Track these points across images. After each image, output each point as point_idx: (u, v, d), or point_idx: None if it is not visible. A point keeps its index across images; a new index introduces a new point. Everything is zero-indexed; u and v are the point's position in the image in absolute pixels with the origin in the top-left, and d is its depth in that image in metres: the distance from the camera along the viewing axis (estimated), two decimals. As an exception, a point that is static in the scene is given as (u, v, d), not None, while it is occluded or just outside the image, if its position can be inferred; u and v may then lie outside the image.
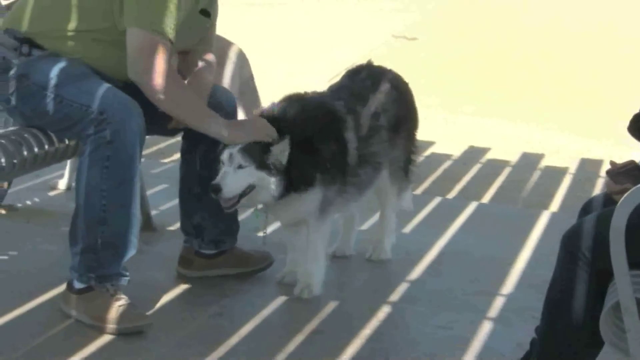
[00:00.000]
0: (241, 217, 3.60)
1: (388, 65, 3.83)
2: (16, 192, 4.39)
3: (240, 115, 4.21)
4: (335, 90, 3.58)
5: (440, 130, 6.73)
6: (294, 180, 3.22)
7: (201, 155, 3.39)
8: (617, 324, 2.24)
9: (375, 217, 3.97)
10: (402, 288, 3.56)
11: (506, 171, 5.77)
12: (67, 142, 3.17)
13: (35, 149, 3.05)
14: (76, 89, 2.99)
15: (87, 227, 2.99)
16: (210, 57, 3.41)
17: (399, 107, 3.66)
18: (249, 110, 4.77)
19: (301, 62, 9.51)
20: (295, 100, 3.35)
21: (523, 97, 8.26)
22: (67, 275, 3.11)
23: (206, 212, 3.40)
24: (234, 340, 3.05)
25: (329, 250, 3.65)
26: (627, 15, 12.23)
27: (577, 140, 6.79)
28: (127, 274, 3.10)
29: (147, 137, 3.09)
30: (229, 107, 3.37)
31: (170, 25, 2.99)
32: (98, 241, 2.99)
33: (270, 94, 3.89)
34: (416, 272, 3.73)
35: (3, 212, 4.17)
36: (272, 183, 3.17)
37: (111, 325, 3.00)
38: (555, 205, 5.05)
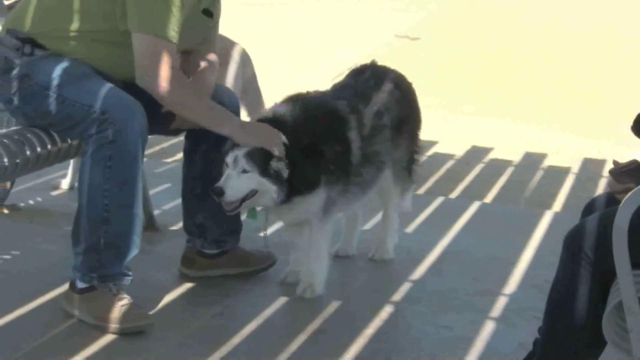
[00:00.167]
0: (243, 217, 3.59)
1: (390, 65, 3.83)
2: (19, 191, 4.40)
3: (243, 114, 4.21)
4: (339, 89, 3.58)
5: (442, 130, 6.72)
6: (298, 184, 3.22)
7: (204, 154, 3.39)
8: (620, 324, 2.24)
9: (378, 216, 3.97)
10: (405, 288, 3.56)
11: (509, 171, 5.77)
12: (69, 142, 3.17)
13: (38, 149, 3.05)
14: (78, 89, 3.00)
15: (90, 227, 3.00)
16: (212, 57, 3.41)
17: (402, 107, 3.66)
18: (252, 109, 4.78)
19: (303, 62, 9.51)
20: (298, 101, 3.35)
21: (524, 97, 8.26)
22: (69, 275, 3.11)
23: (209, 212, 3.40)
24: (236, 340, 3.05)
25: (331, 250, 3.65)
26: (627, 15, 12.22)
27: (578, 140, 6.79)
28: (130, 273, 3.10)
29: (149, 136, 3.10)
30: (231, 106, 3.37)
31: (173, 28, 3.00)
32: (101, 241, 3.00)
33: (272, 94, 3.89)
34: (418, 272, 3.73)
35: (6, 211, 4.18)
36: (275, 189, 3.17)
37: (113, 325, 3.01)
38: (557, 205, 5.04)
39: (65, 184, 4.56)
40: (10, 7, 3.66)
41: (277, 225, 3.88)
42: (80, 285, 3.07)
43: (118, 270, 3.06)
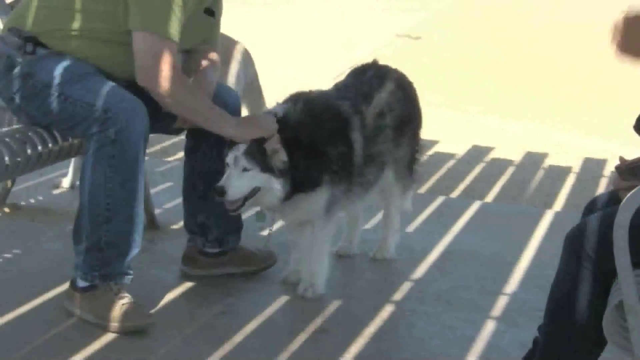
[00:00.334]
0: (245, 216, 3.60)
1: (393, 64, 3.83)
2: (20, 190, 4.40)
3: (245, 113, 4.21)
4: (341, 89, 3.58)
5: (444, 129, 6.72)
6: (300, 181, 3.22)
7: (205, 153, 3.39)
8: (621, 324, 2.24)
9: (379, 216, 3.97)
10: (406, 287, 3.56)
11: (510, 170, 5.76)
12: (71, 140, 3.18)
13: (39, 148, 3.05)
14: (80, 88, 3.00)
15: (91, 226, 3.00)
16: (214, 56, 3.41)
17: (404, 106, 3.66)
18: (254, 109, 4.78)
19: (305, 61, 9.51)
20: (300, 100, 3.35)
21: (529, 96, 8.25)
22: (71, 273, 3.11)
23: (210, 211, 3.40)
24: (238, 338, 3.05)
25: (332, 249, 3.66)
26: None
27: (583, 139, 6.78)
28: (131, 272, 3.10)
29: (151, 135, 3.10)
30: (233, 105, 3.37)
31: (175, 27, 3.00)
32: (102, 240, 3.00)
33: (274, 93, 3.89)
34: (420, 272, 3.73)
35: (7, 210, 4.18)
36: (277, 186, 3.17)
37: (114, 324, 3.01)
38: (559, 204, 5.04)
39: (66, 182, 4.57)
40: (13, 5, 3.66)
41: (279, 225, 3.88)
42: (82, 283, 3.07)
43: (119, 269, 3.06)
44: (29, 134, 3.06)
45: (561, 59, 9.80)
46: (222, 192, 3.12)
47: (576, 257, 2.35)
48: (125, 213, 3.01)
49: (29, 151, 3.02)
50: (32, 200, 4.38)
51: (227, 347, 2.99)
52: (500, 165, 5.86)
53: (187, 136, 3.47)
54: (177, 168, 4.47)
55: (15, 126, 3.20)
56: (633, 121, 2.54)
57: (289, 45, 10.30)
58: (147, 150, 3.12)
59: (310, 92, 3.46)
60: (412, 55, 9.72)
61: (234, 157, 3.15)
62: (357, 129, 3.39)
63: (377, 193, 3.71)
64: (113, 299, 3.03)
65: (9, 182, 4.14)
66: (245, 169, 3.14)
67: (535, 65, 9.49)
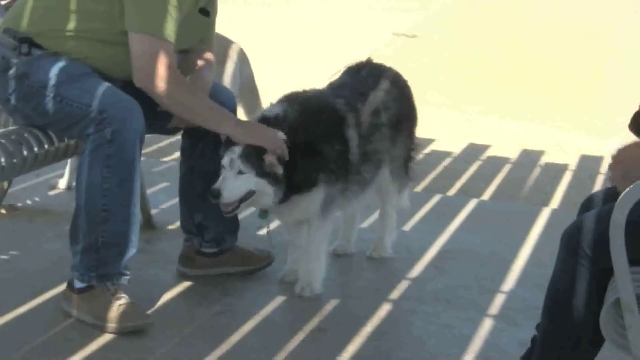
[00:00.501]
0: (242, 216, 3.59)
1: (392, 63, 3.83)
2: (17, 191, 4.39)
3: (241, 113, 4.21)
4: (336, 87, 3.58)
5: (443, 128, 6.73)
6: (296, 183, 3.22)
7: (201, 153, 3.39)
8: (618, 321, 2.24)
9: (376, 215, 3.97)
10: (404, 286, 3.56)
11: (506, 168, 5.76)
12: (67, 141, 3.18)
13: (36, 149, 3.05)
14: (76, 89, 3.00)
15: (88, 226, 3.00)
16: (209, 55, 3.41)
17: (399, 104, 3.66)
18: (250, 108, 4.78)
19: (304, 60, 9.50)
20: (295, 100, 3.35)
21: (527, 96, 8.24)
22: (68, 274, 3.11)
23: (207, 211, 3.40)
24: (236, 338, 3.05)
25: (330, 249, 3.65)
26: (628, 13, 12.23)
27: (582, 139, 6.78)
28: (128, 272, 3.10)
29: (147, 135, 3.10)
30: (229, 105, 3.37)
31: (171, 28, 3.01)
32: (99, 240, 3.00)
33: (270, 93, 3.89)
34: (418, 270, 3.73)
35: (3, 211, 4.17)
36: (272, 190, 3.17)
37: (112, 324, 3.01)
38: (555, 202, 5.05)
39: (62, 183, 4.56)
40: (8, 6, 3.66)
41: (276, 224, 3.88)
42: (79, 284, 3.07)
43: (116, 270, 3.06)
44: (25, 134, 3.06)
45: (561, 59, 9.80)
46: (217, 194, 3.12)
47: (573, 255, 2.35)
48: (122, 213, 3.00)
49: (25, 152, 3.01)
50: (29, 201, 4.38)
51: (225, 346, 2.99)
52: (497, 163, 5.86)
53: (183, 136, 3.47)
54: (173, 168, 4.46)
55: (11, 127, 3.20)
56: (629, 120, 2.55)
57: (289, 45, 10.30)
58: (144, 151, 3.11)
59: (305, 91, 3.46)
60: (412, 55, 9.72)
61: (230, 159, 3.15)
62: (352, 127, 3.38)
63: (374, 192, 3.71)
64: (110, 299, 3.03)
65: (6, 184, 4.13)
66: (240, 172, 3.14)
67: (535, 65, 9.50)
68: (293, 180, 3.20)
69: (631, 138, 2.52)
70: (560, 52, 10.16)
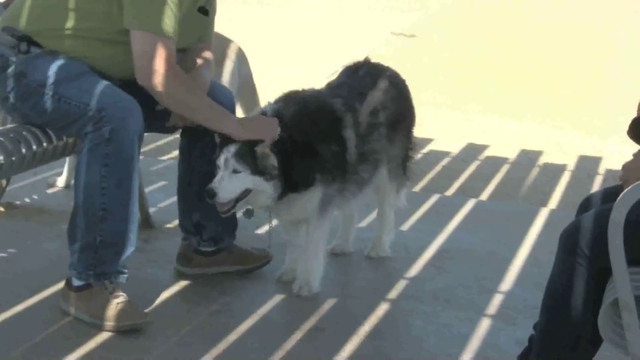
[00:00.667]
0: (240, 214, 3.59)
1: (392, 63, 3.83)
2: (15, 190, 4.39)
3: (239, 112, 4.21)
4: (334, 87, 3.58)
5: (443, 128, 6.73)
6: (294, 182, 3.22)
7: (200, 152, 3.39)
8: (616, 321, 2.24)
9: (374, 214, 3.97)
10: (402, 285, 3.56)
11: (505, 168, 5.77)
12: (65, 140, 3.17)
13: (34, 147, 3.05)
14: (75, 87, 2.99)
15: (87, 225, 2.99)
16: (208, 54, 3.40)
17: (397, 104, 3.65)
18: (248, 108, 4.78)
19: (301, 60, 9.50)
20: (293, 99, 3.35)
21: (527, 96, 8.24)
22: (66, 272, 3.11)
23: (205, 210, 3.40)
24: (234, 337, 3.05)
25: (328, 248, 3.65)
26: (628, 13, 12.23)
27: (582, 139, 6.78)
28: (126, 271, 3.10)
29: (145, 134, 3.09)
30: (227, 104, 3.36)
31: (171, 24, 3.00)
32: (97, 239, 2.99)
33: (269, 92, 3.89)
34: (416, 270, 3.73)
35: (2, 210, 4.17)
36: (268, 188, 3.17)
37: (110, 323, 3.00)
38: (554, 202, 5.05)
39: (61, 182, 4.56)
40: (6, 4, 3.65)
41: (274, 223, 3.88)
42: (77, 283, 3.07)
43: (114, 268, 3.06)
44: (24, 133, 3.06)
45: (561, 59, 9.80)
46: (212, 194, 3.12)
47: (571, 255, 2.35)
48: (120, 212, 3.00)
49: (23, 150, 3.01)
50: (27, 200, 4.37)
51: (223, 345, 2.99)
52: (495, 163, 5.86)
53: (182, 135, 3.47)
54: (171, 167, 4.46)
55: (9, 125, 3.20)
56: (630, 122, 2.55)
57: (288, 45, 10.30)
58: (142, 149, 3.11)
59: (303, 91, 3.46)
60: (412, 55, 9.72)
61: (224, 159, 3.15)
62: (350, 127, 3.38)
63: (372, 191, 3.71)
64: (108, 298, 3.03)
65: (4, 182, 4.12)
66: (235, 171, 3.14)
67: (535, 65, 9.50)
68: (290, 179, 3.19)
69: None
70: (560, 52, 10.16)
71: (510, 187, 5.32)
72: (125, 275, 3.09)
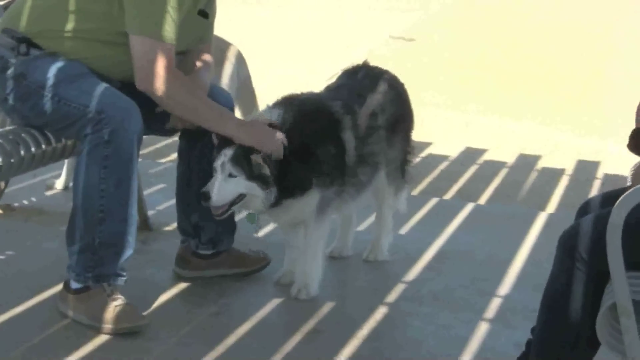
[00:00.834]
0: (238, 217, 3.60)
1: (391, 63, 3.83)
2: (14, 191, 4.39)
3: (237, 115, 4.21)
4: (333, 90, 3.58)
5: (443, 129, 6.73)
6: (290, 186, 3.22)
7: (198, 154, 3.39)
8: (614, 325, 2.24)
9: (372, 217, 3.97)
10: (401, 288, 3.56)
11: (503, 172, 5.77)
12: (64, 141, 3.17)
13: (33, 149, 3.05)
14: (74, 89, 3.00)
15: (85, 227, 2.99)
16: (208, 57, 3.41)
17: (396, 107, 3.66)
18: (246, 110, 4.78)
19: (301, 61, 9.50)
20: (291, 103, 3.35)
21: (527, 96, 8.24)
22: (65, 274, 3.10)
23: (204, 212, 3.39)
24: (232, 339, 3.05)
25: (326, 251, 3.65)
26: (628, 13, 12.22)
27: (582, 139, 6.78)
28: (124, 274, 3.10)
29: (144, 136, 3.10)
30: (226, 107, 3.36)
31: (171, 29, 3.01)
32: (96, 241, 2.99)
33: (269, 92, 3.89)
34: (415, 272, 3.73)
35: (0, 211, 4.17)
36: (263, 194, 3.17)
37: (108, 325, 3.00)
38: (552, 206, 5.05)
39: (59, 184, 4.56)
40: (6, 6, 3.65)
41: (273, 225, 3.88)
42: (75, 285, 3.07)
43: (113, 271, 3.06)
44: (23, 134, 3.06)
45: (561, 59, 9.79)
46: (206, 197, 3.13)
47: (569, 259, 2.35)
48: (119, 214, 3.00)
49: (22, 152, 3.01)
50: (26, 202, 4.37)
51: (221, 348, 2.99)
52: (493, 167, 5.86)
53: (181, 137, 3.47)
54: (170, 169, 4.46)
55: (8, 127, 3.20)
56: (631, 122, 2.55)
57: (288, 45, 10.29)
58: (140, 152, 3.11)
59: (302, 94, 3.46)
60: (412, 55, 9.71)
61: (221, 162, 3.15)
62: (348, 130, 3.39)
63: (371, 194, 3.71)
64: (106, 300, 3.03)
65: (2, 184, 4.13)
66: (231, 175, 3.14)
67: (535, 65, 9.49)
68: (285, 183, 3.20)
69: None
70: (560, 52, 10.15)
71: (508, 191, 5.32)
72: (124, 278, 3.09)
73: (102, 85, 3.01)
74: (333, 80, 3.76)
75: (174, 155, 3.91)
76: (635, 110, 2.57)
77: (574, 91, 8.44)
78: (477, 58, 9.77)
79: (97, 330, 3.00)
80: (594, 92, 8.41)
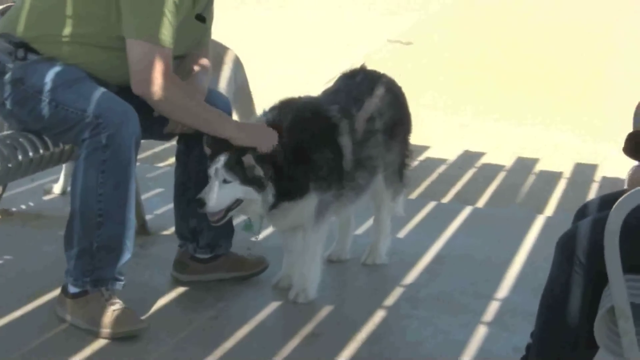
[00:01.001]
0: (236, 221, 3.59)
1: (390, 64, 3.83)
2: (11, 196, 4.38)
3: (235, 119, 4.21)
4: (330, 94, 3.58)
5: (443, 130, 6.73)
6: (287, 190, 3.22)
7: (196, 159, 3.39)
8: (612, 328, 2.24)
9: (371, 221, 3.97)
10: (399, 291, 3.56)
11: (501, 175, 5.77)
12: (62, 146, 3.17)
13: (30, 153, 3.05)
14: (72, 94, 3.00)
15: (83, 231, 2.99)
16: (205, 61, 3.41)
17: (394, 111, 3.66)
18: (244, 114, 4.79)
19: (300, 61, 9.50)
20: (288, 107, 3.35)
21: (527, 96, 8.23)
22: (62, 279, 3.10)
23: (202, 217, 3.39)
24: (230, 343, 3.05)
25: (324, 255, 3.65)
26: (628, 13, 12.22)
27: (582, 139, 6.78)
28: (122, 278, 3.10)
29: (142, 141, 3.10)
30: (224, 111, 3.37)
31: (168, 34, 3.01)
32: (94, 245, 2.99)
33: (269, 92, 3.89)
34: (413, 276, 3.73)
35: (-2, 216, 4.18)
36: (258, 198, 3.17)
37: (106, 330, 3.00)
38: (550, 209, 5.05)
39: (57, 188, 4.56)
40: (3, 11, 3.65)
41: (271, 229, 3.88)
42: (73, 289, 3.07)
43: (111, 275, 3.06)
44: (20, 139, 3.06)
45: (561, 59, 9.79)
46: (202, 203, 3.13)
47: (568, 262, 2.35)
48: (116, 218, 3.00)
49: (20, 157, 3.01)
50: (24, 206, 4.37)
51: (220, 351, 2.99)
52: (491, 170, 5.87)
53: (178, 142, 3.47)
54: (168, 174, 4.46)
55: (6, 132, 3.19)
56: (629, 125, 2.55)
57: (288, 46, 10.28)
58: (138, 156, 3.11)
59: (299, 98, 3.46)
60: (412, 56, 9.71)
61: (215, 168, 3.15)
62: (346, 134, 3.39)
63: (369, 198, 3.71)
64: (104, 304, 3.03)
65: (0, 188, 4.12)
66: (225, 181, 3.14)
67: (535, 65, 9.48)
68: (283, 187, 3.20)
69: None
70: (560, 52, 10.14)
71: (506, 194, 5.32)
72: (122, 282, 3.09)
73: (100, 90, 3.01)
74: (331, 83, 3.76)
75: (172, 160, 3.91)
76: (633, 112, 2.58)
77: (574, 91, 8.44)
78: (477, 58, 9.76)
79: (96, 335, 3.00)
80: (594, 93, 8.40)
